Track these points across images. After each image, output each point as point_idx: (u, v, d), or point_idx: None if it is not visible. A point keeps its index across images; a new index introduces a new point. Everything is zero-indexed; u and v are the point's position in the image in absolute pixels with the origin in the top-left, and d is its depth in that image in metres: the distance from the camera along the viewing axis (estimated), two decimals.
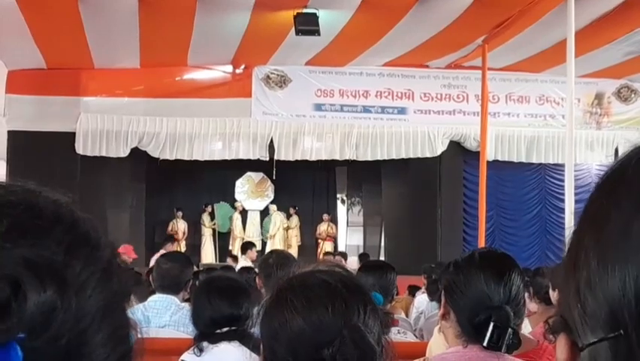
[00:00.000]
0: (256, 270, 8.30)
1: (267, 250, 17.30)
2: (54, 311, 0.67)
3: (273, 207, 19.79)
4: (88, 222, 0.77)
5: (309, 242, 19.58)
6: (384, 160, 17.01)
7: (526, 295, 5.17)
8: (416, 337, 5.36)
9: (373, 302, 1.78)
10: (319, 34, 12.80)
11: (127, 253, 11.24)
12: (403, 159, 16.81)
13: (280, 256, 5.33)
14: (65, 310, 0.68)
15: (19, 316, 0.65)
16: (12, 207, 0.72)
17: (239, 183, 20.12)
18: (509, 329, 2.39)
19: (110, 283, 0.75)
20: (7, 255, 0.67)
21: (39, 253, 0.68)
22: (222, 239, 19.64)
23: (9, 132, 15.26)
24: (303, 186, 20.57)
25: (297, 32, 12.75)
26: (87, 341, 0.71)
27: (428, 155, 16.76)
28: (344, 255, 14.84)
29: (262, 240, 19.69)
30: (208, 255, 19.08)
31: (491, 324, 2.38)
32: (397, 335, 4.56)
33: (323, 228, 19.77)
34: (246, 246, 14.95)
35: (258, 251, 19.39)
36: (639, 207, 0.69)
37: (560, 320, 0.76)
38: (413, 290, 9.67)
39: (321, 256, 16.78)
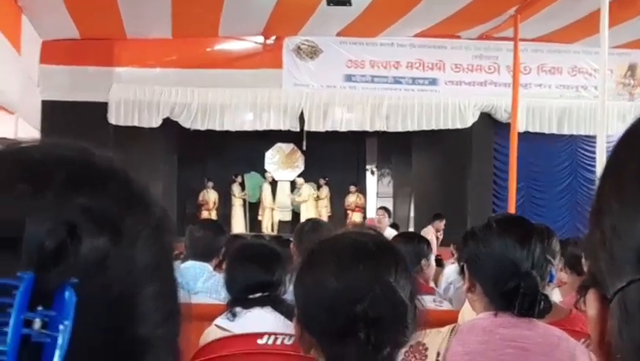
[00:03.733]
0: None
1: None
2: (107, 258, 0.69)
3: (301, 180, 19.81)
4: (140, 181, 0.79)
5: (339, 213, 19.60)
6: (414, 131, 16.90)
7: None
8: (451, 305, 5.34)
9: (405, 262, 1.79)
10: (350, 5, 12.75)
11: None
12: (433, 130, 16.69)
13: (315, 223, 5.32)
14: (118, 258, 0.70)
15: (74, 259, 0.67)
16: (69, 161, 0.74)
17: (269, 154, 20.11)
18: (539, 295, 2.39)
19: (161, 240, 0.77)
20: (65, 202, 0.69)
21: (96, 203, 0.70)
22: (252, 209, 19.73)
23: (43, 102, 15.35)
24: (333, 157, 20.49)
25: (329, 3, 12.71)
26: (138, 292, 0.72)
27: (459, 126, 16.62)
28: (387, 210, 14.52)
29: (292, 210, 19.76)
30: (239, 225, 19.18)
31: (520, 291, 2.37)
32: (432, 303, 4.54)
33: (352, 199, 19.77)
34: None
35: (288, 221, 19.52)
36: None
37: (588, 277, 0.74)
38: (439, 262, 9.65)
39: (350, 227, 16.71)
